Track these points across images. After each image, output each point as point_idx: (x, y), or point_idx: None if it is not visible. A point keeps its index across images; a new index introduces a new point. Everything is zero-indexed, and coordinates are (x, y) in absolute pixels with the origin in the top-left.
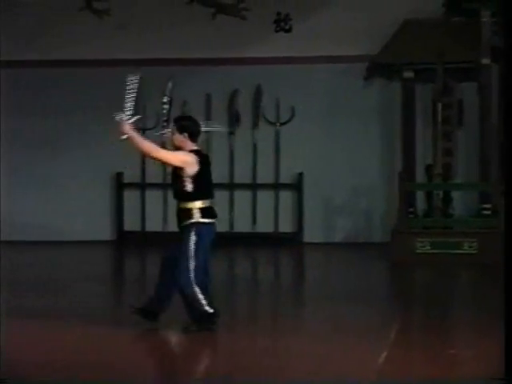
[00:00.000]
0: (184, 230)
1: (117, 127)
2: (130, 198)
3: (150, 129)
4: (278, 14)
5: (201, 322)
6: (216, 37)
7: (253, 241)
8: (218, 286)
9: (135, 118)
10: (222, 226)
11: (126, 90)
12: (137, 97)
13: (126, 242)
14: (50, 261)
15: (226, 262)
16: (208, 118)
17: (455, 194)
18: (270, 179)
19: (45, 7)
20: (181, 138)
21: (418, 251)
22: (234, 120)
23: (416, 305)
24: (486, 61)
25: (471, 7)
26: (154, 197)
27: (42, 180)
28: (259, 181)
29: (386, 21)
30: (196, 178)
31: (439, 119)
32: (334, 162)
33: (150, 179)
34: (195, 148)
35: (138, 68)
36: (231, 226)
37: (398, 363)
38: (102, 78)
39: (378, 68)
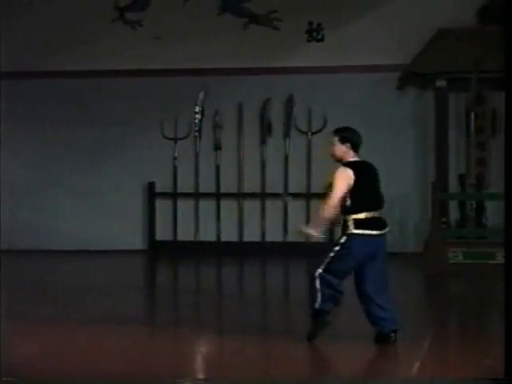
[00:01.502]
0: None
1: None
2: (162, 207)
3: (181, 138)
4: (310, 23)
5: (312, 318)
6: (248, 47)
7: (284, 250)
8: (252, 299)
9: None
10: (254, 236)
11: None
12: None
13: (158, 251)
14: (82, 270)
15: (258, 272)
16: (240, 127)
17: (489, 204)
18: (301, 189)
19: (80, 18)
20: (343, 149)
21: (450, 261)
22: (265, 129)
23: (449, 315)
24: None
25: None
26: (185, 206)
27: (74, 189)
28: (291, 190)
29: (419, 30)
30: (353, 192)
31: (472, 128)
32: None
33: (182, 189)
34: (354, 159)
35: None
36: (263, 235)
37: (431, 373)
38: (136, 89)
39: (411, 77)
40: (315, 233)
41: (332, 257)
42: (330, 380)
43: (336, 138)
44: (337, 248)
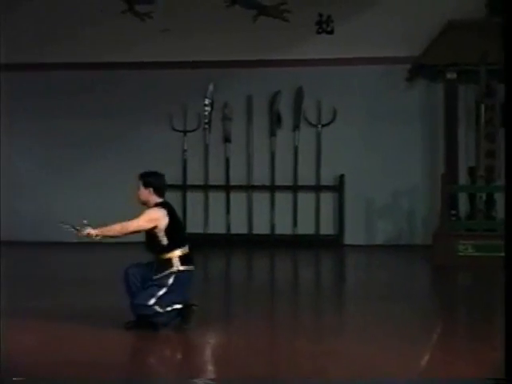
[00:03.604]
0: (164, 274)
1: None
2: (172, 199)
3: (191, 131)
4: (320, 15)
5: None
6: (257, 39)
7: (294, 243)
8: (261, 290)
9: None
10: (263, 229)
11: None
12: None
13: None
14: (83, 262)
15: (267, 264)
16: (249, 119)
17: (499, 197)
18: (311, 181)
19: (89, 10)
20: (146, 193)
21: (460, 254)
22: (274, 122)
23: (458, 308)
24: None
25: None
26: (195, 199)
27: (75, 181)
28: (300, 182)
29: (429, 22)
30: (169, 230)
31: (482, 121)
32: (375, 164)
33: (191, 181)
34: (160, 201)
35: None
36: (272, 228)
37: (439, 365)
38: (145, 81)
39: (421, 69)
40: (92, 233)
41: (165, 292)
42: (330, 381)
43: (140, 182)
44: (170, 283)
